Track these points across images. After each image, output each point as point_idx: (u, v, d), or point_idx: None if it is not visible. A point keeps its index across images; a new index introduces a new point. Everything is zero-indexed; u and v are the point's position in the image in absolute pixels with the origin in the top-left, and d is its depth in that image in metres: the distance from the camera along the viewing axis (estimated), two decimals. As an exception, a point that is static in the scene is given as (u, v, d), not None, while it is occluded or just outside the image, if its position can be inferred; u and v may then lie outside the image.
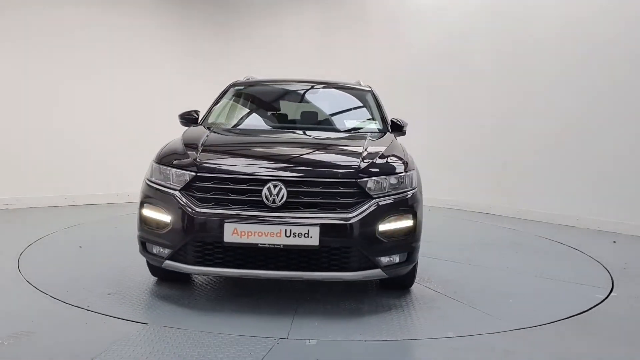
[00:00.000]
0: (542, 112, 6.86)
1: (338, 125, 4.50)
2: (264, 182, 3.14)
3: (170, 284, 3.78)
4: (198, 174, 3.22)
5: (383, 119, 4.48)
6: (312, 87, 4.98)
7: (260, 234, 3.03)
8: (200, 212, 3.11)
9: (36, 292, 3.53)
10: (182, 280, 3.84)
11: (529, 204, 7.01)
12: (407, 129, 4.48)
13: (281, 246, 3.03)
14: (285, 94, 5.02)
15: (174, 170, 3.30)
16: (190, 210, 3.12)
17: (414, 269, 3.63)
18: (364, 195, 3.18)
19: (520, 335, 3.05)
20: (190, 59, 8.48)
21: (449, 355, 2.77)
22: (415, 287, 3.83)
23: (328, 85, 5.01)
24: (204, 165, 3.28)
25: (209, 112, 4.60)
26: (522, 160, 7.08)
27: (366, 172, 3.27)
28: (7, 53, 6.78)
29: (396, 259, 3.26)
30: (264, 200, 3.10)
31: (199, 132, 3.89)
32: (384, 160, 3.46)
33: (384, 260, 3.21)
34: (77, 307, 3.27)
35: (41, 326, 2.98)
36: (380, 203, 3.19)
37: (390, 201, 3.24)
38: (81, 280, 3.81)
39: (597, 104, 6.37)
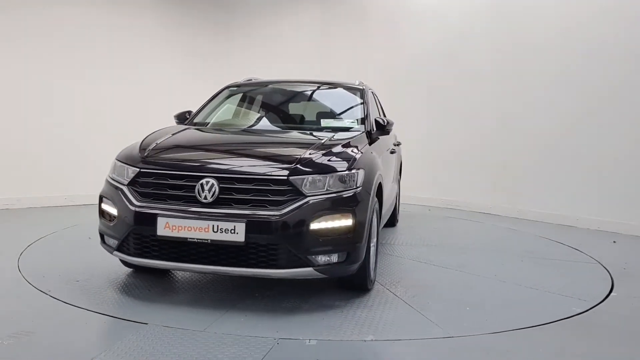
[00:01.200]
0: (542, 112, 6.86)
1: (314, 125, 4.50)
2: (197, 178, 3.22)
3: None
4: (141, 170, 3.38)
5: (365, 118, 4.43)
6: (301, 88, 5.06)
7: (189, 228, 3.11)
8: (139, 205, 3.25)
9: (36, 292, 3.53)
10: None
11: (529, 204, 7.01)
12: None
13: (209, 241, 3.09)
14: (273, 95, 5.08)
15: (125, 166, 3.48)
16: (131, 204, 3.27)
17: (365, 270, 3.53)
18: (297, 193, 3.16)
19: (520, 335, 3.05)
20: (190, 58, 8.48)
21: (449, 355, 2.77)
22: (376, 289, 3.77)
23: (318, 85, 5.06)
24: (147, 161, 3.43)
25: (198, 112, 4.75)
26: (522, 160, 7.08)
27: (300, 170, 3.24)
28: (7, 53, 6.78)
29: (334, 258, 3.22)
30: (197, 196, 3.17)
31: (165, 131, 4.03)
32: (327, 159, 3.41)
33: (319, 259, 3.18)
34: (77, 307, 3.27)
35: (41, 326, 2.98)
36: (313, 201, 3.16)
37: (326, 200, 3.20)
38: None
39: (597, 104, 6.36)
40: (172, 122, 4.92)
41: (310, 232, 3.13)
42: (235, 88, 5.07)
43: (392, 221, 6.07)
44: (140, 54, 7.91)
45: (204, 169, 3.32)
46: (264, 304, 3.42)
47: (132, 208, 3.24)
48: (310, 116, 4.73)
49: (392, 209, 5.72)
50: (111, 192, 3.46)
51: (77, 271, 4.03)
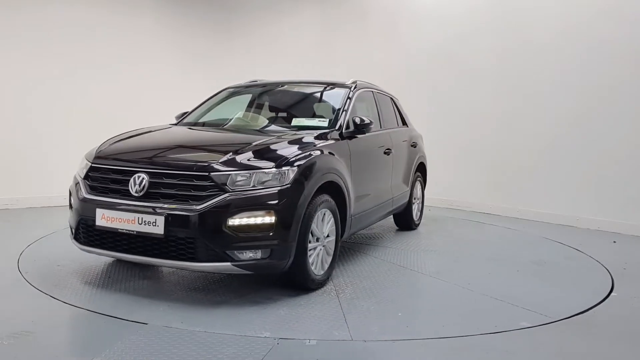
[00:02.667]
0: (542, 112, 6.86)
1: (285, 124, 4.51)
2: (132, 173, 3.43)
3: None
4: (92, 165, 3.67)
5: (337, 117, 4.36)
6: (287, 88, 5.11)
7: (120, 220, 3.31)
8: (85, 197, 3.54)
9: (36, 292, 3.53)
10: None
11: (529, 204, 7.01)
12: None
13: (135, 232, 3.27)
14: (260, 96, 5.13)
15: (84, 161, 3.80)
16: (80, 196, 3.58)
17: (303, 268, 3.52)
18: (219, 189, 3.24)
19: (520, 335, 3.05)
20: (189, 58, 8.48)
21: (448, 355, 2.77)
22: (324, 289, 3.73)
23: (306, 84, 5.08)
24: (97, 156, 3.72)
25: (190, 112, 4.96)
26: (522, 160, 7.07)
27: (224, 167, 3.31)
28: (7, 53, 6.78)
29: (257, 254, 3.26)
30: (130, 189, 3.37)
31: (136, 131, 4.26)
32: (258, 157, 3.46)
33: (244, 255, 3.24)
34: (77, 307, 3.27)
35: (41, 326, 2.98)
36: (234, 197, 3.21)
37: (248, 196, 3.24)
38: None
39: (597, 104, 6.36)
40: (174, 121, 4.99)
41: (228, 228, 3.19)
42: (231, 89, 5.21)
43: (408, 225, 6.00)
44: (140, 53, 7.91)
45: (137, 164, 3.50)
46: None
47: (80, 200, 3.56)
48: (283, 115, 4.81)
49: (401, 211, 5.71)
50: (73, 185, 3.77)
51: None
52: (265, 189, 3.30)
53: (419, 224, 6.26)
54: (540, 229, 6.37)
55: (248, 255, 3.25)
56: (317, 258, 3.70)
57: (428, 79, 8.02)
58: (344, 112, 4.41)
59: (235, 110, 4.93)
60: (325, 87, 4.92)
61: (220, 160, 3.35)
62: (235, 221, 3.19)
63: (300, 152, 3.62)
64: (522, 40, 7.01)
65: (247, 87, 5.24)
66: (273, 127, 4.52)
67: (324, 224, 3.75)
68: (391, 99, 5.85)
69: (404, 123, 6.00)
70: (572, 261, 4.86)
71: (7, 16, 6.77)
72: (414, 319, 3.33)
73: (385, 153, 5.02)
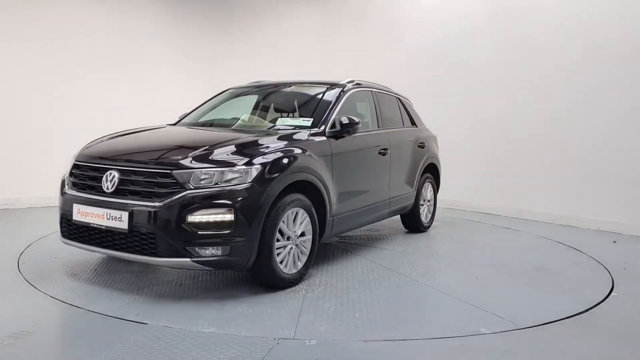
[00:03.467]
0: (542, 111, 6.86)
1: (271, 124, 4.55)
2: (105, 170, 3.57)
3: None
4: (75, 162, 3.85)
5: (323, 117, 4.33)
6: (280, 88, 5.13)
7: (92, 215, 3.49)
8: (66, 193, 3.76)
9: (36, 292, 3.53)
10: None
11: (529, 204, 7.01)
12: None
13: (104, 227, 3.42)
14: (254, 96, 5.16)
15: (72, 159, 3.95)
16: (63, 192, 3.81)
17: (270, 266, 3.53)
18: (180, 187, 3.32)
19: (520, 335, 3.05)
20: (189, 59, 8.49)
21: (448, 355, 2.77)
22: (294, 288, 3.72)
23: (301, 84, 5.11)
24: (80, 154, 3.91)
25: (190, 112, 5.08)
26: (522, 160, 7.07)
27: (186, 164, 3.39)
28: (7, 53, 6.78)
29: (217, 251, 3.32)
30: (102, 186, 3.52)
31: (127, 131, 4.41)
32: (223, 155, 3.52)
33: (205, 251, 3.30)
34: (77, 307, 3.27)
35: (41, 326, 2.98)
36: (194, 194, 3.29)
37: (208, 194, 3.30)
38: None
39: (597, 103, 6.36)
40: (173, 121, 5.01)
41: (188, 225, 3.26)
42: (233, 90, 5.30)
43: (416, 227, 5.87)
44: (139, 54, 7.91)
45: (110, 162, 3.63)
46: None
47: (62, 195, 3.80)
48: (270, 116, 4.83)
49: (406, 212, 5.67)
50: (61, 182, 3.96)
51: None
52: (226, 186, 3.34)
53: (428, 226, 6.10)
54: (540, 229, 6.36)
55: (209, 252, 3.31)
56: (289, 257, 3.71)
57: (427, 78, 8.02)
58: (331, 112, 4.41)
59: (232, 111, 4.96)
60: (318, 87, 4.91)
61: (183, 158, 3.43)
62: (195, 218, 3.26)
63: (267, 151, 3.65)
64: (523, 40, 7.01)
65: (247, 88, 5.30)
66: (262, 125, 4.60)
67: (296, 223, 3.76)
68: (398, 99, 5.82)
69: (413, 123, 5.94)
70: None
71: (7, 16, 6.78)
72: (370, 320, 3.21)
73: (380, 153, 4.94)
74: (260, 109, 5.01)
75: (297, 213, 3.76)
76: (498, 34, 7.29)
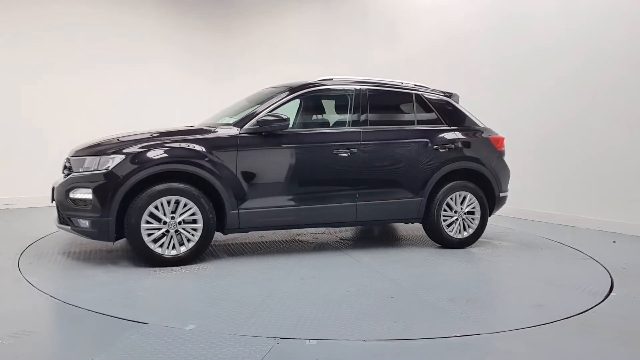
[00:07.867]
0: (542, 111, 6.86)
1: (225, 122, 4.84)
2: (67, 160, 4.40)
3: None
4: (66, 159, 4.47)
5: (244, 116, 4.61)
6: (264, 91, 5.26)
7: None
8: (58, 181, 4.37)
9: (36, 292, 3.53)
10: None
11: (529, 204, 7.00)
12: None
13: (53, 202, 4.38)
14: (255, 96, 5.31)
15: None
16: (55, 182, 4.44)
17: (143, 246, 4.07)
18: (70, 170, 4.28)
19: (520, 335, 3.05)
20: (190, 57, 8.49)
21: (448, 355, 2.77)
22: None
23: (278, 87, 5.13)
24: (71, 153, 4.47)
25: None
26: (522, 160, 7.07)
27: (78, 152, 4.32)
28: (7, 52, 6.78)
29: (85, 224, 4.09)
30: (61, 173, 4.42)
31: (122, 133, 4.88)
32: (105, 147, 4.23)
33: (76, 222, 4.13)
34: (77, 307, 3.27)
35: (41, 326, 2.98)
36: (72, 176, 4.19)
37: (80, 176, 4.15)
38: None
39: (597, 103, 6.36)
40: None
41: (69, 199, 4.15)
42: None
43: (440, 240, 5.15)
44: (140, 53, 7.92)
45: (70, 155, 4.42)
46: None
47: (54, 185, 4.42)
48: (230, 114, 5.01)
49: (408, 221, 5.38)
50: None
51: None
52: (94, 171, 4.08)
53: (462, 240, 5.15)
54: (540, 229, 6.36)
55: (81, 223, 4.09)
56: (167, 239, 4.16)
57: (427, 79, 7.99)
58: (261, 111, 4.54)
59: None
60: (282, 89, 4.92)
61: (82, 149, 4.32)
62: (71, 195, 4.12)
63: (145, 143, 4.19)
64: (523, 41, 7.01)
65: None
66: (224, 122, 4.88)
67: (177, 211, 4.15)
68: (416, 95, 5.38)
69: (445, 122, 5.40)
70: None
71: (7, 16, 6.77)
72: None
73: (337, 153, 4.67)
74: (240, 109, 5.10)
75: (178, 201, 4.15)
76: (498, 33, 7.29)
